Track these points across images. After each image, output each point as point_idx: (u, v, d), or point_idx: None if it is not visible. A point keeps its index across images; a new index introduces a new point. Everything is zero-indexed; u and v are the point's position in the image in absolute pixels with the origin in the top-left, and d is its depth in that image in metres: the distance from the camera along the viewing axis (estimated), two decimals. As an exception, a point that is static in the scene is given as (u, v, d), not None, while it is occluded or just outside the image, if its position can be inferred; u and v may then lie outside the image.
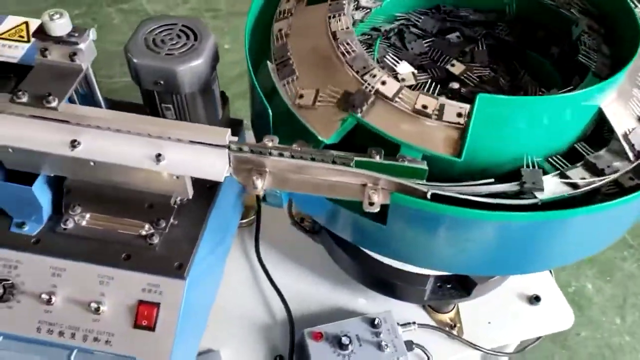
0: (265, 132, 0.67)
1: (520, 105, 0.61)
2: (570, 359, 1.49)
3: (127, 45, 0.73)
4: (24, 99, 0.64)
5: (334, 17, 0.74)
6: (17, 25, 0.80)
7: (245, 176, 0.66)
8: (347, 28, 0.73)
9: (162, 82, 0.73)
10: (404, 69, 0.80)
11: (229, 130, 0.64)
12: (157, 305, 0.75)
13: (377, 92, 0.66)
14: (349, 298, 1.01)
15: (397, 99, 0.65)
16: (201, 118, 0.80)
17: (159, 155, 0.65)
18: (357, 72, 0.68)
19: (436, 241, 0.63)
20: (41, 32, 0.67)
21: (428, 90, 0.74)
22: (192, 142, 0.65)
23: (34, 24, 0.81)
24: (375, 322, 0.90)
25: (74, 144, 0.65)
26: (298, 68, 0.72)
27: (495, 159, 0.63)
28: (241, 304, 1.00)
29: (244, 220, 1.08)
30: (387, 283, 0.92)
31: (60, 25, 0.66)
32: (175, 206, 0.76)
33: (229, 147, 0.64)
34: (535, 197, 0.58)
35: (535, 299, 1.00)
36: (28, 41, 0.78)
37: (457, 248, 0.63)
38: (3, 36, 0.79)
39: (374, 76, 0.67)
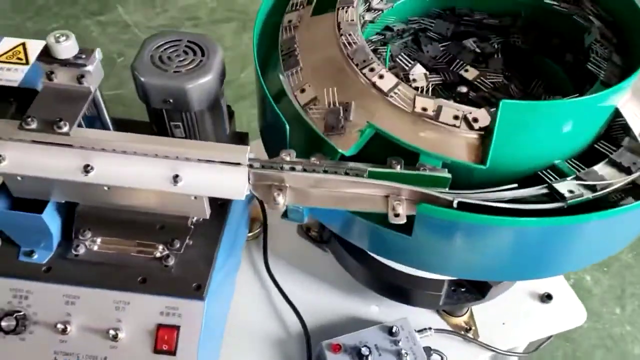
0: (281, 146, 0.66)
1: (543, 110, 0.61)
2: (574, 352, 1.50)
3: (134, 63, 0.71)
4: (34, 125, 0.62)
5: (342, 8, 0.73)
6: (14, 47, 0.78)
7: (265, 192, 0.64)
8: (352, 20, 0.72)
9: (171, 100, 0.71)
10: (417, 70, 0.79)
11: (248, 147, 0.63)
12: (177, 328, 0.73)
13: (374, 85, 0.66)
14: (362, 306, 1.01)
15: (392, 94, 0.65)
16: (210, 134, 0.78)
17: (177, 176, 0.63)
18: (357, 65, 0.67)
19: (464, 249, 0.63)
20: (46, 55, 0.65)
21: (434, 93, 0.74)
22: (209, 161, 0.64)
23: (32, 45, 0.79)
24: (393, 330, 0.89)
25: (87, 169, 0.63)
26: (302, 60, 0.72)
27: (517, 163, 0.63)
28: (253, 318, 0.99)
29: (250, 234, 1.07)
30: (401, 290, 0.91)
31: (67, 48, 0.64)
32: (192, 226, 0.74)
33: (249, 165, 0.63)
34: (564, 200, 0.58)
35: (546, 297, 1.01)
36: (27, 63, 0.76)
37: (484, 255, 0.63)
38: (0, 59, 0.76)
39: (372, 70, 0.67)
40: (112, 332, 0.72)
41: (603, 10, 0.77)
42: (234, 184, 0.64)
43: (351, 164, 0.64)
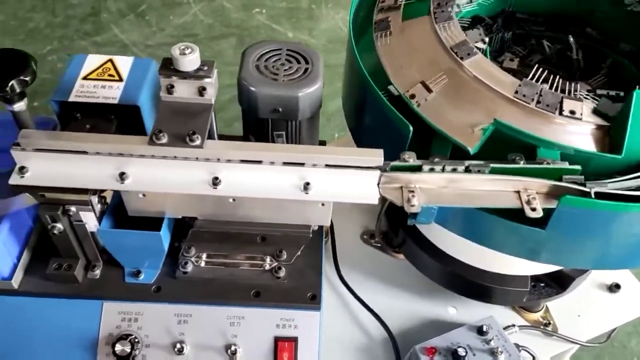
0: (397, 148, 0.66)
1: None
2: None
3: (242, 74, 0.70)
4: (164, 140, 0.61)
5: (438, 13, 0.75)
6: (103, 64, 0.76)
7: (396, 195, 0.64)
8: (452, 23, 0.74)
9: (280, 109, 0.70)
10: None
11: (382, 150, 0.63)
12: (295, 339, 0.72)
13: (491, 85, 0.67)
14: (437, 309, 1.01)
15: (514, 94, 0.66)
16: (307, 141, 0.78)
17: (307, 184, 0.63)
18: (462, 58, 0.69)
19: (602, 239, 0.64)
20: (165, 68, 0.64)
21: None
22: (338, 166, 0.63)
23: (119, 61, 0.77)
24: (483, 329, 0.89)
25: (215, 181, 0.62)
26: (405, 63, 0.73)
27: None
28: (334, 326, 0.98)
29: (317, 243, 1.06)
30: (486, 289, 0.92)
31: (191, 61, 0.62)
32: (311, 235, 0.73)
33: (381, 169, 0.63)
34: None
35: (615, 287, 1.03)
36: (120, 80, 0.74)
37: (621, 243, 0.64)
38: (91, 76, 0.74)
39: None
40: (231, 348, 0.70)
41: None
42: (365, 188, 0.64)
43: (475, 162, 0.65)
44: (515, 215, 0.66)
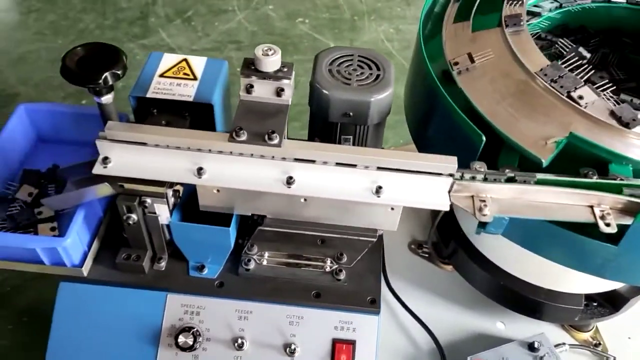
0: (466, 157, 0.66)
1: None
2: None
3: (315, 78, 0.72)
4: (244, 137, 0.62)
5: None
6: (178, 63, 0.78)
7: (467, 204, 0.65)
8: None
9: (351, 113, 0.71)
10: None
11: (455, 158, 0.63)
12: (353, 343, 0.72)
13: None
14: (485, 323, 1.00)
15: (586, 106, 0.66)
16: (372, 146, 0.79)
17: (380, 187, 0.64)
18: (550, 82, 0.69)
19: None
20: (246, 68, 0.65)
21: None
22: (410, 171, 0.64)
23: (194, 61, 0.79)
24: (535, 345, 0.89)
25: (289, 181, 0.63)
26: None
27: None
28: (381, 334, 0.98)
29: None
30: (538, 305, 0.91)
31: (273, 62, 0.64)
32: (375, 239, 0.74)
33: (456, 176, 0.63)
34: None
35: (667, 311, 1.01)
36: (195, 79, 0.76)
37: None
38: (167, 74, 0.76)
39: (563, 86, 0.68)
40: (290, 347, 0.71)
41: None
42: (436, 194, 0.64)
43: (547, 175, 0.65)
44: (578, 228, 0.66)
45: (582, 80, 0.70)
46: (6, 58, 2.16)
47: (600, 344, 0.98)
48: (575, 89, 0.68)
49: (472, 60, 0.74)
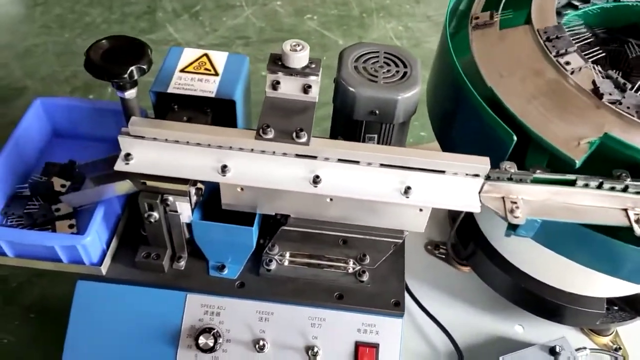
0: (498, 158, 0.65)
1: None
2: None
3: (341, 75, 0.70)
4: (271, 135, 0.60)
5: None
6: (199, 58, 0.77)
7: (497, 205, 0.63)
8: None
9: (377, 111, 0.70)
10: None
11: (487, 158, 0.62)
12: (376, 346, 0.71)
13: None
14: (504, 326, 0.99)
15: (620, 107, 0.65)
16: (396, 145, 0.77)
17: (409, 188, 0.62)
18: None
19: None
20: (273, 64, 0.64)
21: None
22: (438, 171, 0.63)
23: (215, 56, 0.78)
24: (556, 349, 0.87)
25: (316, 180, 0.62)
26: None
27: None
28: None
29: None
30: (560, 308, 0.90)
31: (300, 58, 0.62)
32: (400, 240, 0.72)
33: (487, 177, 0.62)
34: None
35: (687, 315, 1.00)
36: (216, 74, 0.74)
37: None
38: (188, 69, 0.75)
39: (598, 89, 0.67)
40: (312, 349, 0.69)
41: None
42: (466, 195, 0.63)
43: (581, 177, 0.63)
44: (609, 231, 0.64)
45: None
46: (12, 51, 2.14)
47: (620, 348, 0.96)
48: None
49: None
